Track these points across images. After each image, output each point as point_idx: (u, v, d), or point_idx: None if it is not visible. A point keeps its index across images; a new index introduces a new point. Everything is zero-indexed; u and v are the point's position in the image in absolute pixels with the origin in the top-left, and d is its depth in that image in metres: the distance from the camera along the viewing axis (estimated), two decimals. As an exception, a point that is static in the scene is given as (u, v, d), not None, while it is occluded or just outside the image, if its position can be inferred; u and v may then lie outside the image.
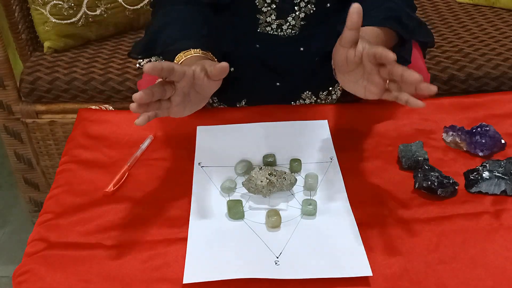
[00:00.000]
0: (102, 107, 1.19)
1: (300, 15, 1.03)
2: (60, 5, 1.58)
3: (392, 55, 0.71)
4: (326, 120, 1.02)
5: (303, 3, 1.03)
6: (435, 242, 0.79)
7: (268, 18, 1.03)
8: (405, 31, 0.96)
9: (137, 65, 1.15)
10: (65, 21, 1.60)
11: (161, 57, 1.02)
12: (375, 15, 0.93)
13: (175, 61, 0.90)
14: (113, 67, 1.54)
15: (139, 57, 1.13)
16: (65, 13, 1.59)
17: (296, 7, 1.02)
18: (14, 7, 1.57)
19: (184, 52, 0.91)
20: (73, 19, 1.60)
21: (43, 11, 1.58)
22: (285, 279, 0.73)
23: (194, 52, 0.90)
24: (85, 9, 1.61)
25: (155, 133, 1.01)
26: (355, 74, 0.80)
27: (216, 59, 0.92)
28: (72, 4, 1.58)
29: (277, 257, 0.76)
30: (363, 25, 0.87)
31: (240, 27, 1.06)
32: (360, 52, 0.77)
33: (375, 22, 0.91)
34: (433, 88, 0.70)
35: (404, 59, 1.04)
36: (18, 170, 1.68)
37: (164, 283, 0.74)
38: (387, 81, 0.77)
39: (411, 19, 1.00)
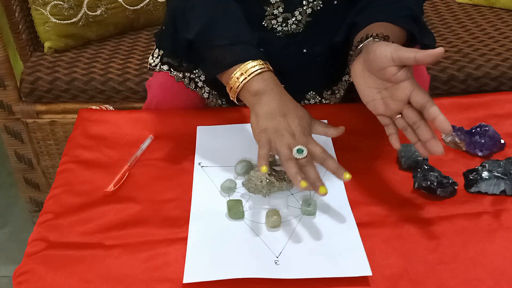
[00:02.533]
0: (102, 107, 1.20)
1: (307, 10, 1.03)
2: (60, 5, 1.58)
3: (447, 125, 0.76)
4: (326, 120, 1.02)
5: None
6: (435, 242, 0.79)
7: (275, 10, 1.03)
8: (420, 33, 0.97)
9: (148, 66, 1.14)
10: (66, 21, 1.60)
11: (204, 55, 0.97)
12: (394, 11, 0.94)
13: (240, 74, 0.88)
14: (113, 67, 1.54)
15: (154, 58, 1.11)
16: (66, 13, 1.59)
17: (304, 1, 1.02)
18: (14, 7, 1.57)
19: (245, 64, 0.88)
20: (74, 19, 1.60)
21: (44, 11, 1.58)
22: (285, 279, 0.73)
23: (259, 67, 0.88)
24: (86, 9, 1.61)
25: (155, 133, 1.01)
26: (382, 83, 0.82)
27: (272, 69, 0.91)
28: (73, 4, 1.58)
29: (277, 257, 0.76)
30: (382, 20, 0.90)
31: (245, 19, 1.05)
32: (399, 79, 0.79)
33: (395, 20, 0.92)
34: (439, 150, 0.76)
35: None
36: (18, 170, 1.68)
37: (164, 283, 0.74)
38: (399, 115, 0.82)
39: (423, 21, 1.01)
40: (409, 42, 0.97)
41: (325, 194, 0.78)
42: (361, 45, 0.86)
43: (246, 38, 0.93)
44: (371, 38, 0.85)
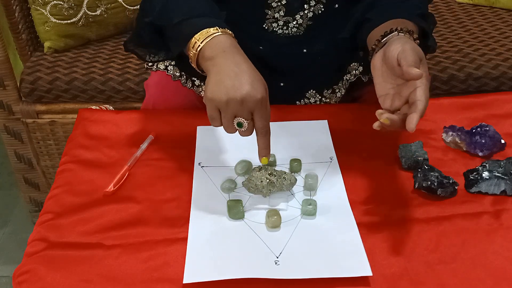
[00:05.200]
0: (102, 107, 1.20)
1: (308, 14, 1.03)
2: (60, 5, 1.58)
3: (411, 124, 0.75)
4: (326, 120, 1.02)
5: (313, 1, 1.02)
6: (435, 242, 0.79)
7: (277, 14, 1.03)
8: (429, 31, 0.97)
9: (145, 66, 1.13)
10: (65, 21, 1.60)
11: (171, 38, 0.94)
12: (407, 8, 0.94)
13: (199, 38, 0.85)
14: (113, 67, 1.54)
15: (138, 48, 1.07)
16: (65, 13, 1.59)
17: (305, 5, 1.02)
18: (14, 7, 1.57)
19: (200, 32, 0.85)
20: (73, 19, 1.60)
21: (44, 11, 1.58)
22: (285, 279, 0.73)
23: (214, 31, 0.85)
24: (85, 9, 1.61)
25: (155, 133, 1.01)
26: (396, 79, 0.82)
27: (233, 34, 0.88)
28: (72, 4, 1.58)
29: (277, 257, 0.76)
30: (398, 17, 0.91)
31: (245, 23, 1.05)
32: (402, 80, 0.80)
33: (411, 17, 0.92)
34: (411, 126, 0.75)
35: None
36: (18, 170, 1.68)
37: (164, 283, 0.74)
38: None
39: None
40: (419, 40, 0.97)
41: (265, 163, 0.83)
42: (385, 39, 0.85)
43: (202, 10, 0.90)
44: (396, 32, 0.85)
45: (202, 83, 1.08)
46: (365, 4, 0.98)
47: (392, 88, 0.82)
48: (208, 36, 0.85)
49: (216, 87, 0.80)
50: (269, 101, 0.84)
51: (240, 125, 0.81)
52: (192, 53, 0.86)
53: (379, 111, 0.78)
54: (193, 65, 0.88)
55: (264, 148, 0.84)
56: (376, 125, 0.78)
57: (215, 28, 0.86)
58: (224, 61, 0.82)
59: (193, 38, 0.86)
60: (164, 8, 0.92)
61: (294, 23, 1.04)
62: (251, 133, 0.83)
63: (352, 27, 0.99)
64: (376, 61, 0.84)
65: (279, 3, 1.02)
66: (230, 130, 0.83)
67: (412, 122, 0.74)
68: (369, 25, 0.93)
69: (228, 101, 0.79)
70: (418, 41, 0.86)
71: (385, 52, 0.82)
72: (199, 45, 0.85)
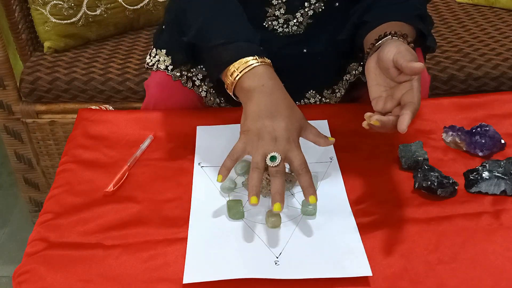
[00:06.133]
0: (102, 107, 1.19)
1: (308, 12, 1.03)
2: (60, 5, 1.58)
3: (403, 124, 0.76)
4: (326, 120, 1.02)
5: None
6: (435, 242, 0.79)
7: (277, 11, 1.03)
8: (428, 33, 0.97)
9: (146, 65, 1.13)
10: (65, 21, 1.60)
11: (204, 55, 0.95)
12: (404, 10, 0.95)
13: (233, 71, 0.85)
14: (113, 67, 1.54)
15: (152, 58, 1.10)
16: (65, 13, 1.59)
17: (306, 3, 1.02)
18: (14, 7, 1.57)
19: (239, 61, 0.85)
20: (73, 19, 1.60)
21: (43, 11, 1.58)
22: (285, 279, 0.73)
23: (253, 61, 0.85)
24: (85, 9, 1.61)
25: (155, 133, 1.01)
26: (389, 82, 0.82)
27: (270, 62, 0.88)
28: (72, 4, 1.58)
29: (277, 257, 0.76)
30: (395, 19, 0.91)
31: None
32: (402, 80, 0.80)
33: (407, 19, 0.92)
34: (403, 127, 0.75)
35: None
36: (18, 170, 1.68)
37: (164, 283, 0.74)
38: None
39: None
40: (417, 41, 0.97)
41: (278, 211, 0.76)
42: (379, 43, 0.86)
43: (243, 36, 0.90)
44: (390, 36, 0.86)
45: (202, 83, 1.08)
46: (363, 6, 0.98)
47: (385, 91, 0.83)
48: (247, 67, 0.85)
49: (252, 123, 0.81)
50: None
51: (273, 158, 0.78)
52: (229, 81, 0.86)
53: (368, 114, 0.79)
54: (229, 92, 0.88)
55: (309, 187, 0.78)
56: (365, 124, 0.79)
57: (254, 57, 0.85)
58: (262, 97, 0.82)
59: (232, 66, 0.86)
60: (203, 29, 0.92)
61: (295, 21, 1.04)
62: (283, 172, 0.79)
63: (350, 29, 0.99)
64: (370, 64, 0.85)
65: (279, 1, 1.02)
66: (259, 166, 0.78)
67: (403, 123, 0.75)
68: (366, 28, 0.94)
69: (263, 138, 0.80)
70: (412, 44, 0.86)
71: (379, 55, 0.83)
72: (238, 75, 0.85)
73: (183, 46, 0.97)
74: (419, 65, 0.76)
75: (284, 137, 0.80)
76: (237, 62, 0.86)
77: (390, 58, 0.80)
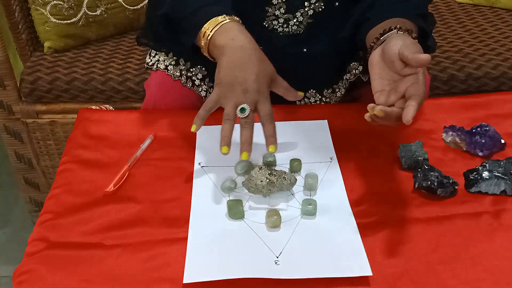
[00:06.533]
0: (102, 107, 1.20)
1: (308, 12, 1.03)
2: (60, 5, 1.58)
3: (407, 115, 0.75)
4: (326, 120, 1.02)
5: None
6: (435, 242, 0.79)
7: (277, 11, 1.03)
8: (429, 31, 0.97)
9: (145, 65, 1.14)
10: (65, 21, 1.60)
11: (183, 27, 0.98)
12: (406, 8, 0.95)
13: (208, 27, 0.89)
14: (113, 67, 1.54)
15: (151, 57, 1.11)
16: (65, 13, 1.59)
17: (306, 3, 1.02)
18: (14, 7, 1.57)
19: (209, 21, 0.89)
20: (73, 19, 1.60)
21: (43, 11, 1.58)
22: (285, 279, 0.73)
23: (222, 19, 0.89)
24: (85, 9, 1.61)
25: (155, 133, 1.01)
26: (393, 75, 0.82)
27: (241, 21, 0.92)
28: (72, 4, 1.58)
29: (277, 257, 0.76)
30: (398, 16, 0.91)
31: (246, 21, 1.05)
32: (406, 73, 0.80)
33: (410, 17, 0.93)
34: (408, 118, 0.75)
35: None
36: (18, 170, 1.68)
37: (164, 283, 0.74)
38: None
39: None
40: (418, 40, 0.97)
41: (245, 159, 0.81)
42: (383, 36, 0.86)
43: (210, 1, 0.93)
44: (395, 30, 0.86)
45: (202, 83, 1.08)
46: (364, 6, 0.98)
47: (389, 84, 0.82)
48: (217, 25, 0.88)
49: (224, 75, 0.85)
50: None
51: (243, 110, 0.83)
52: (203, 42, 0.90)
53: (371, 105, 0.78)
54: (205, 54, 0.92)
55: (271, 136, 0.84)
56: (367, 116, 0.79)
57: (223, 16, 0.89)
58: (233, 51, 0.86)
59: (203, 27, 0.90)
60: (176, 1, 0.95)
61: (295, 20, 1.04)
62: (251, 123, 0.83)
63: (352, 27, 0.99)
64: (374, 58, 0.85)
65: (279, 1, 1.02)
66: (230, 117, 0.83)
67: (409, 114, 0.75)
68: (368, 24, 0.94)
69: (234, 89, 0.84)
70: (416, 40, 0.86)
71: (384, 49, 0.82)
72: (209, 34, 0.89)
73: (160, 20, 0.99)
74: (425, 56, 0.75)
75: (254, 89, 0.84)
76: (208, 23, 0.89)
77: (396, 50, 0.79)
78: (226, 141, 0.83)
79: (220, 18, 0.89)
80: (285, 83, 0.91)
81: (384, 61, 0.83)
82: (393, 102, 0.80)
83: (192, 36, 0.93)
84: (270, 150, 0.84)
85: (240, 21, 0.91)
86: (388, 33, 0.86)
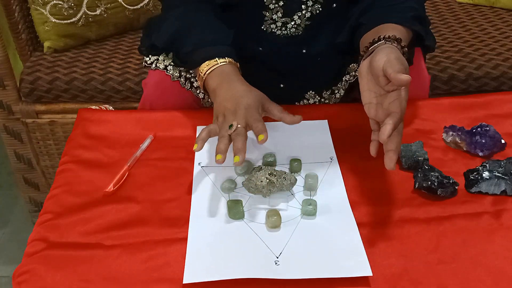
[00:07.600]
0: (102, 107, 1.19)
1: (306, 14, 1.03)
2: (60, 5, 1.58)
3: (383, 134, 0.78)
4: (326, 120, 1.02)
5: (310, 2, 1.03)
6: (435, 242, 0.79)
7: (274, 15, 1.03)
8: (426, 34, 0.97)
9: (144, 63, 1.14)
10: (65, 21, 1.60)
11: (181, 59, 1.05)
12: (400, 11, 0.95)
13: (203, 69, 0.96)
14: (113, 67, 1.54)
15: (150, 55, 1.13)
16: (65, 13, 1.59)
17: (303, 6, 1.02)
18: (14, 7, 1.57)
19: (202, 65, 0.96)
20: (73, 19, 1.60)
21: (43, 11, 1.58)
22: (285, 279, 0.73)
23: (220, 62, 0.95)
24: (85, 9, 1.61)
25: (155, 133, 1.01)
26: (379, 88, 0.83)
27: (238, 65, 0.98)
28: (72, 4, 1.58)
29: (277, 257, 0.76)
30: (389, 21, 0.92)
31: (244, 25, 1.05)
32: (390, 89, 0.81)
33: (403, 21, 0.93)
34: (391, 165, 0.78)
35: (409, 61, 1.04)
36: (18, 170, 1.68)
37: (164, 283, 0.74)
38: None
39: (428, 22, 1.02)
40: (415, 42, 0.97)
41: (237, 164, 0.83)
42: (372, 47, 0.86)
43: (211, 38, 0.99)
44: (383, 40, 0.86)
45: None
46: (361, 8, 0.98)
47: (375, 97, 0.83)
48: (210, 68, 0.95)
49: (218, 111, 0.90)
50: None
51: (230, 126, 0.86)
52: (200, 83, 0.98)
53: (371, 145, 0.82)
54: (202, 91, 1.00)
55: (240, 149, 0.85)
56: (373, 153, 0.83)
57: (214, 60, 0.95)
58: (223, 92, 0.91)
59: (200, 67, 0.97)
60: (172, 40, 1.03)
61: (292, 23, 1.04)
62: (242, 134, 0.85)
63: (347, 32, 0.99)
64: (363, 69, 0.85)
65: (276, 5, 1.02)
66: (223, 134, 0.86)
67: (384, 133, 0.76)
68: (362, 30, 0.94)
69: (227, 116, 0.88)
70: (405, 49, 0.86)
71: (371, 61, 0.83)
72: (203, 77, 0.96)
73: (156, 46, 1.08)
74: (405, 77, 0.76)
75: (242, 110, 0.88)
76: (201, 66, 0.96)
77: (380, 66, 0.80)
78: (220, 151, 0.84)
79: (212, 62, 0.95)
80: (279, 107, 0.92)
81: (371, 74, 0.83)
82: (383, 118, 0.81)
83: (192, 67, 1.02)
84: (234, 161, 0.84)
85: (233, 61, 0.96)
86: (376, 43, 0.86)
